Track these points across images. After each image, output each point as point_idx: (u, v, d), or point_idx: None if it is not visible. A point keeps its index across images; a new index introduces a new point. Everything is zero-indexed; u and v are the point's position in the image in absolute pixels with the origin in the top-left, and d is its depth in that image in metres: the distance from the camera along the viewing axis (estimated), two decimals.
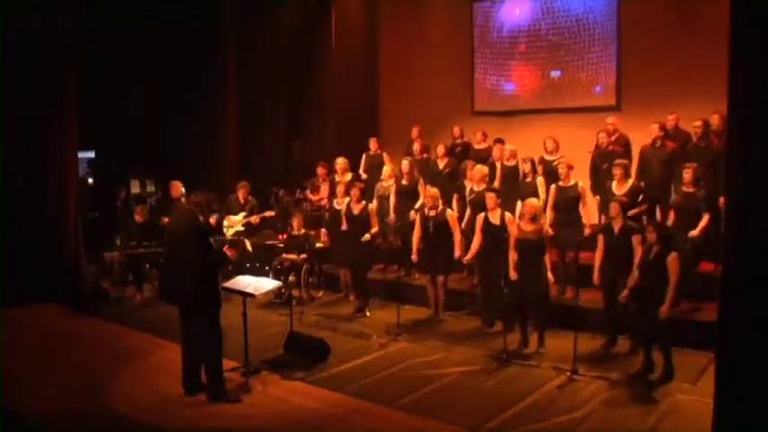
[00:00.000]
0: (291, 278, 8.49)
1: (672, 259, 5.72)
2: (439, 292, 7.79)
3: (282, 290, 8.42)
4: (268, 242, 9.71)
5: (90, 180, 10.80)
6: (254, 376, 6.00)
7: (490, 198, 7.20)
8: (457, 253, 7.54)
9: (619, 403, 5.50)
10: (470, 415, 5.22)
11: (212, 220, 5.99)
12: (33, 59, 8.56)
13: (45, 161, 8.86)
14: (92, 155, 10.96)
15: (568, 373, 5.96)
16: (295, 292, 8.63)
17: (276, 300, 8.68)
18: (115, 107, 10.60)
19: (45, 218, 8.84)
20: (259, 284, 5.92)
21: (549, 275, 6.58)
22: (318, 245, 9.10)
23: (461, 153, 9.85)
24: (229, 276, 6.83)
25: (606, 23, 10.25)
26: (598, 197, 8.02)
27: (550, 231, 6.88)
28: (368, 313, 8.14)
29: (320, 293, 9.03)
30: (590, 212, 7.65)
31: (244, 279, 6.11)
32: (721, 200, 7.14)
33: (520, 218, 6.83)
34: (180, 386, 5.69)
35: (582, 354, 6.27)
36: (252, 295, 5.81)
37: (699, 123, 7.69)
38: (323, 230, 9.03)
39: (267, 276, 8.87)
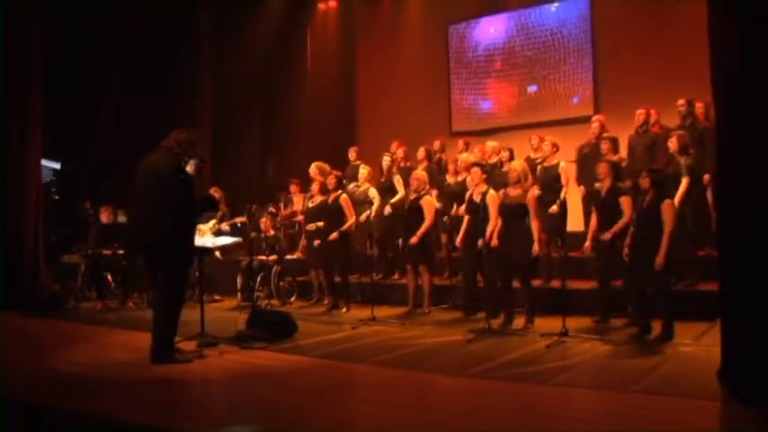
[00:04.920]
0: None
1: (666, 205, 5.37)
2: (424, 283, 7.25)
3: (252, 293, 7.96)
4: (240, 258, 9.28)
5: (56, 196, 10.36)
6: (211, 348, 5.41)
7: (475, 173, 6.82)
8: (414, 239, 7.06)
9: (616, 352, 4.99)
10: (451, 366, 4.67)
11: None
12: None
13: (6, 164, 8.45)
14: (57, 166, 10.56)
15: (556, 337, 5.42)
16: (264, 301, 8.17)
17: (243, 303, 8.13)
18: (85, 120, 10.30)
19: (5, 222, 8.35)
20: (217, 240, 5.46)
21: (536, 245, 6.10)
22: (292, 256, 8.68)
23: (438, 162, 9.58)
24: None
25: (580, 35, 10.26)
26: (583, 187, 7.74)
27: (536, 192, 6.47)
28: (343, 309, 7.56)
29: (292, 299, 8.47)
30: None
31: (202, 238, 5.64)
32: (706, 177, 6.92)
33: (506, 184, 6.45)
34: (131, 354, 5.17)
35: (573, 327, 5.73)
36: (211, 250, 5.33)
37: (683, 102, 7.48)
38: (301, 243, 8.61)
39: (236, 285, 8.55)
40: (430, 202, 7.33)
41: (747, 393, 3.59)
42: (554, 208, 6.97)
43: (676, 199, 6.47)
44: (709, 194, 6.93)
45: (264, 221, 8.53)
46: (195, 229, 5.15)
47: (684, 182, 6.53)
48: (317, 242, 7.74)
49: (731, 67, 3.88)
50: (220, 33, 11.00)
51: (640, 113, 7.74)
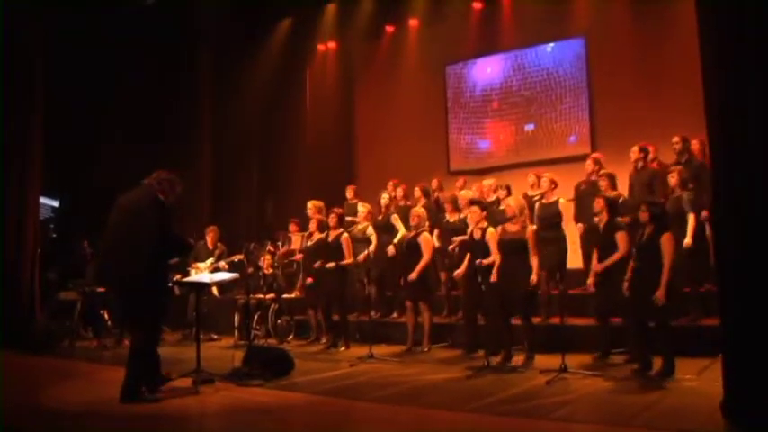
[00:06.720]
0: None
1: (665, 239, 5.34)
2: (424, 320, 7.16)
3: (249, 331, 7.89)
4: (237, 297, 9.21)
5: (54, 233, 10.35)
6: (207, 385, 5.32)
7: (474, 212, 6.79)
8: (413, 275, 7.03)
9: (617, 388, 4.90)
10: (450, 402, 4.59)
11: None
12: None
13: (4, 200, 8.47)
14: (56, 203, 10.59)
15: (556, 373, 5.33)
16: (262, 340, 8.08)
17: (240, 341, 8.02)
18: (85, 158, 10.38)
19: (2, 258, 8.31)
20: (215, 276, 5.43)
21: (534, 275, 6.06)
22: (289, 295, 8.63)
23: (437, 201, 9.59)
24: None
25: (576, 75, 10.41)
26: (581, 225, 7.71)
27: (533, 227, 6.43)
28: (342, 348, 7.47)
29: (289, 337, 8.38)
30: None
31: (199, 274, 5.61)
32: (704, 213, 6.91)
33: (504, 221, 6.44)
34: None
35: (573, 364, 5.65)
36: (207, 284, 5.30)
37: (677, 139, 7.49)
38: (299, 282, 8.59)
39: (233, 323, 8.46)
40: (427, 239, 7.31)
41: (750, 425, 3.52)
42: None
43: (688, 236, 6.50)
44: (707, 229, 6.94)
45: (266, 260, 8.49)
46: (168, 269, 5.12)
47: (691, 218, 6.54)
48: (309, 279, 7.74)
49: (724, 103, 3.92)
50: (220, 74, 11.16)
51: (635, 151, 7.78)
